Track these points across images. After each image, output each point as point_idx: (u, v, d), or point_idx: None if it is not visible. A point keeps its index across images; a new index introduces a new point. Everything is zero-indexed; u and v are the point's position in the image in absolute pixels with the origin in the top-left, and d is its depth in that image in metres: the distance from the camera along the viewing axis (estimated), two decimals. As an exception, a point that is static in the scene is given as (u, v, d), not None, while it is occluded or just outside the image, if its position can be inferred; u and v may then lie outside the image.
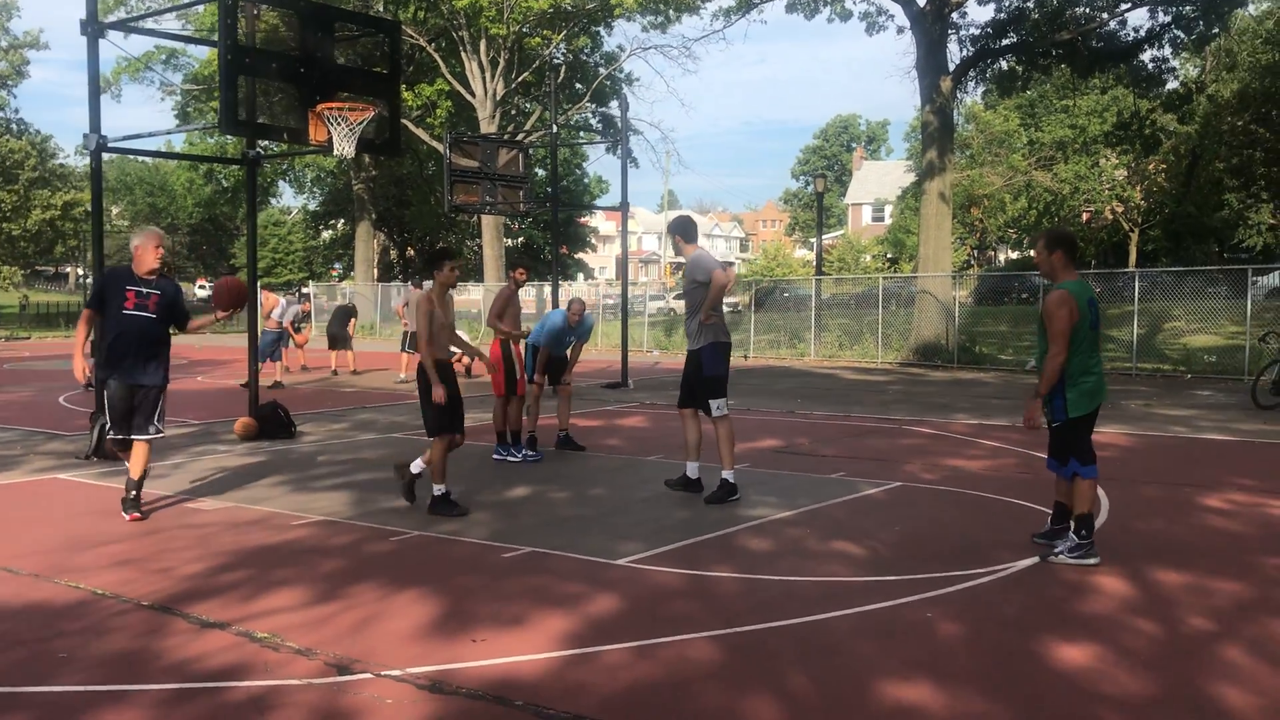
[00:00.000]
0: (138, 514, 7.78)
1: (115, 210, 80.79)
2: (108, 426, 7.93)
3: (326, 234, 68.17)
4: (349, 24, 12.68)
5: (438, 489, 7.99)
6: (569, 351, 11.30)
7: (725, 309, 42.54)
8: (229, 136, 17.51)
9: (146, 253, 7.85)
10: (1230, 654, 4.90)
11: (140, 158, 59.94)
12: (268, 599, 5.82)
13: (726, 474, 8.40)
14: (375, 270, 49.73)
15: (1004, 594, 5.88)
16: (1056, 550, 6.52)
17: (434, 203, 48.38)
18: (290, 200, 75.33)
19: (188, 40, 24.55)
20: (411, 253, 59.51)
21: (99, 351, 7.93)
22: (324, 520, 7.83)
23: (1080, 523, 6.51)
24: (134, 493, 7.83)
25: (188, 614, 5.54)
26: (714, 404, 8.51)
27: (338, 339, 22.29)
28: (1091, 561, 6.41)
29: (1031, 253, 49.70)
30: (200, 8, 28.53)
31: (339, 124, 10.30)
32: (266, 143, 13.11)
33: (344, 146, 10.33)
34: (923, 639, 5.13)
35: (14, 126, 50.26)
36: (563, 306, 11.56)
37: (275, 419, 12.34)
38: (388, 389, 19.13)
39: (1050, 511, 7.04)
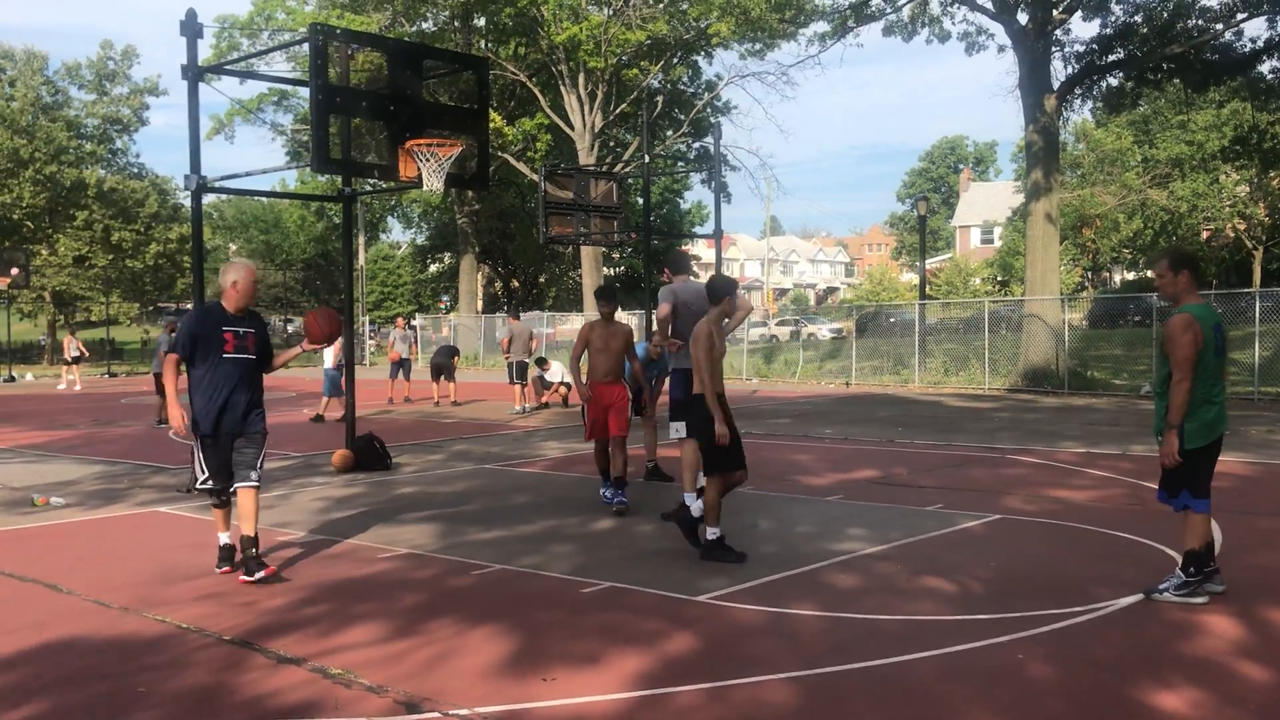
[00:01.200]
0: (270, 568, 7.07)
1: (233, 248, 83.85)
2: (201, 481, 7.22)
3: (434, 267, 69.57)
4: (439, 61, 12.91)
5: (712, 532, 7.37)
6: (653, 384, 11.18)
7: (828, 335, 41.90)
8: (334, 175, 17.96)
9: (245, 288, 7.13)
10: (1350, 704, 4.54)
11: (256, 197, 62.20)
12: (346, 634, 5.83)
13: (687, 496, 8.12)
14: (480, 302, 50.54)
15: (1101, 634, 5.57)
16: (1161, 587, 6.17)
17: (536, 235, 48.83)
18: (399, 235, 76.99)
19: (283, 81, 25.45)
20: (515, 284, 60.32)
21: (193, 400, 7.07)
22: (409, 553, 7.86)
23: (1189, 559, 6.15)
24: (254, 549, 7.04)
25: (266, 649, 5.57)
26: (674, 426, 9.04)
27: (441, 369, 22.59)
28: (1199, 600, 6.04)
29: (1148, 273, 48.08)
30: (304, 49, 29.43)
31: (428, 160, 10.43)
32: (372, 180, 13.36)
33: (433, 182, 10.45)
34: (1011, 682, 4.88)
35: (134, 169, 52.48)
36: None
37: (371, 451, 12.50)
38: (485, 419, 19.27)
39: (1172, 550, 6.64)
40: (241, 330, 7.11)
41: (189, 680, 5.13)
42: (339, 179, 12.90)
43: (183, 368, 7.19)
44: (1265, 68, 25.66)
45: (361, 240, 50.92)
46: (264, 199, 65.62)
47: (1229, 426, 6.46)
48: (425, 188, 10.65)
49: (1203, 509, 6.16)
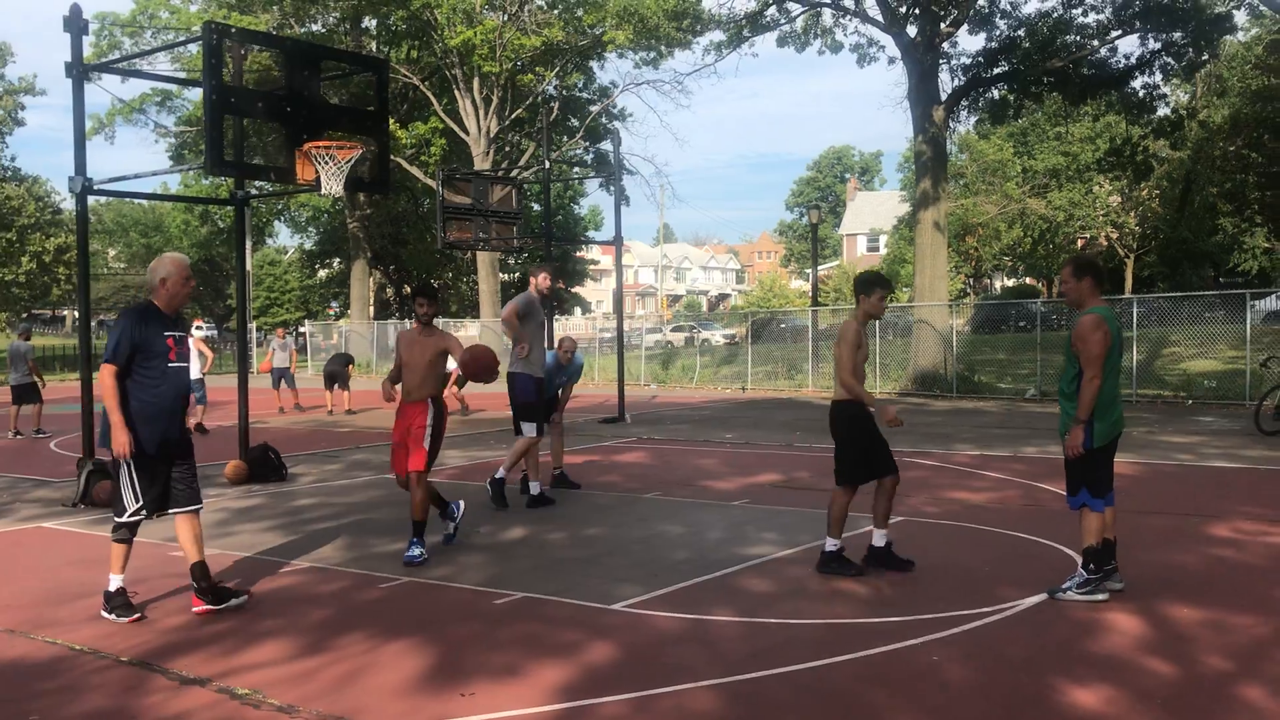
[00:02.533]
0: (237, 599, 6.46)
1: (112, 253, 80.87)
2: (132, 511, 6.28)
3: (323, 273, 68.17)
4: (337, 62, 12.63)
5: (832, 544, 7.02)
6: (560, 391, 11.11)
7: (723, 341, 42.35)
8: (223, 177, 17.38)
9: (180, 286, 6.37)
10: (1251, 695, 4.72)
11: (137, 200, 60.12)
12: (252, 652, 5.63)
13: (499, 473, 9.78)
14: (371, 308, 49.67)
15: (1012, 634, 5.70)
16: (1064, 586, 6.34)
17: (430, 240, 48.34)
18: (286, 239, 75.21)
19: (173, 81, 24.67)
20: (409, 290, 59.44)
21: (129, 417, 6.17)
22: (313, 567, 7.64)
23: (1088, 556, 6.32)
24: (206, 582, 6.39)
25: (168, 670, 5.34)
26: (525, 425, 9.72)
27: (335, 377, 22.06)
28: (1101, 598, 6.22)
29: (1028, 279, 49.62)
30: (192, 49, 28.59)
31: (327, 163, 10.19)
32: (260, 182, 12.98)
33: (332, 185, 10.21)
34: (929, 684, 4.95)
35: (9, 173, 50.27)
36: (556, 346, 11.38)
37: (265, 461, 12.15)
38: (383, 427, 18.89)
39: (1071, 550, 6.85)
40: (179, 334, 6.42)
41: (87, 705, 4.89)
42: (229, 181, 12.53)
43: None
44: (1138, 83, 26.74)
45: (249, 244, 49.62)
46: (145, 202, 63.44)
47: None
48: (324, 191, 10.40)
49: (1098, 507, 6.34)
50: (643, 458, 13.91)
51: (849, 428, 7.12)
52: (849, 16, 27.51)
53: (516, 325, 9.59)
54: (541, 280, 10.04)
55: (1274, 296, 34.67)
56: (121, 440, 6.09)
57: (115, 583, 6.36)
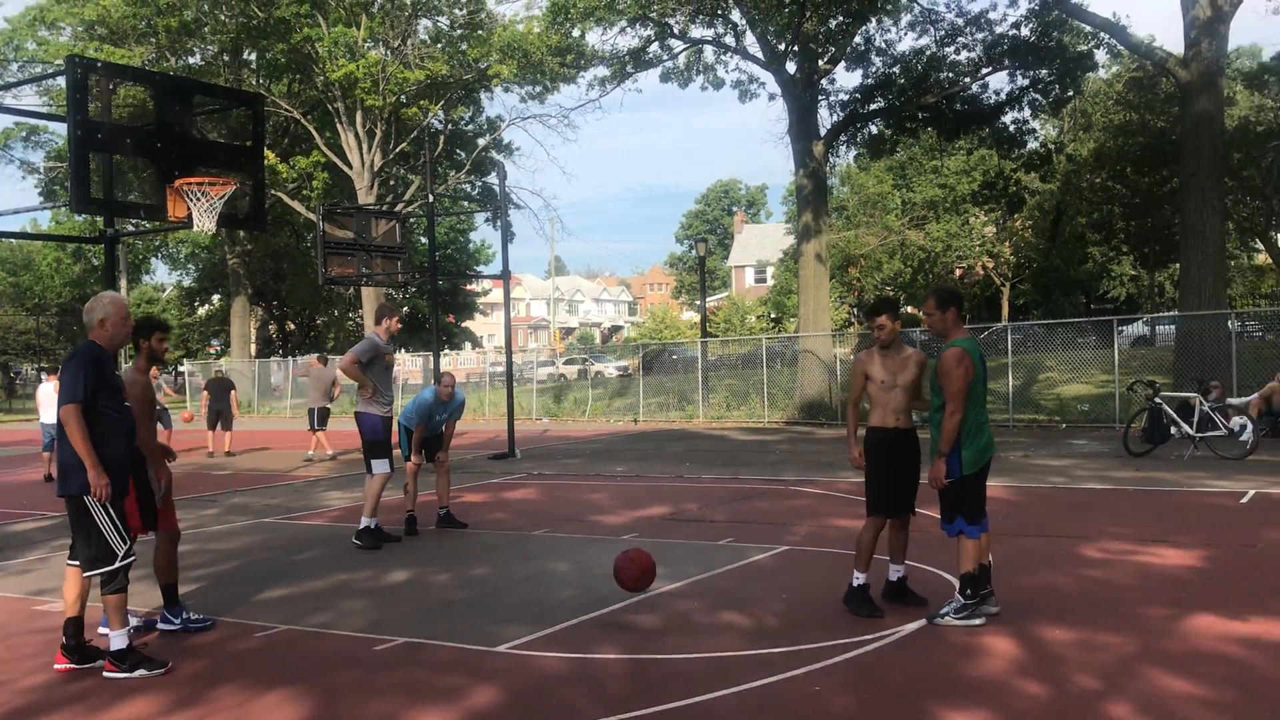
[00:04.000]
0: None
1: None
2: (124, 555, 5.95)
3: (202, 310, 66.36)
4: (210, 97, 12.35)
5: (858, 579, 6.81)
6: (444, 429, 10.99)
7: (615, 373, 42.54)
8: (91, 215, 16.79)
9: (120, 325, 6.15)
10: (1117, 712, 4.86)
11: (6, 239, 57.70)
12: (121, 708, 5.40)
13: (365, 522, 9.87)
14: (253, 346, 48.51)
15: (892, 660, 5.78)
16: (942, 612, 6.46)
17: (312, 275, 47.46)
18: (164, 276, 73.06)
19: (36, 116, 23.78)
20: (291, 326, 58.25)
21: (103, 458, 5.85)
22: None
23: (965, 582, 6.46)
24: (76, 640, 6.11)
25: (26, 733, 5.08)
26: (375, 463, 9.88)
27: (220, 415, 21.24)
28: (977, 622, 6.36)
29: (909, 308, 50.85)
30: (60, 81, 27.67)
31: (199, 199, 9.94)
32: (136, 220, 12.60)
33: (204, 222, 9.96)
34: (811, 714, 4.98)
35: None
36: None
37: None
38: (264, 469, 18.42)
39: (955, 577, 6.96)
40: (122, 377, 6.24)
41: (-66, 776, 4.61)
42: (100, 219, 12.12)
43: None
44: (1008, 119, 27.83)
45: (124, 282, 48.06)
46: (13, 240, 60.92)
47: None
48: (196, 228, 10.14)
49: (975, 534, 6.48)
50: (532, 494, 13.81)
51: (869, 457, 6.91)
52: (730, 54, 28.05)
53: (358, 373, 9.73)
54: (394, 324, 10.18)
55: (1140, 322, 36.17)
56: (101, 482, 5.81)
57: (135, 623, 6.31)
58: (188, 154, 10.32)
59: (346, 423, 10.61)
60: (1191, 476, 13.05)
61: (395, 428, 10.52)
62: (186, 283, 61.63)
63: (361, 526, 9.92)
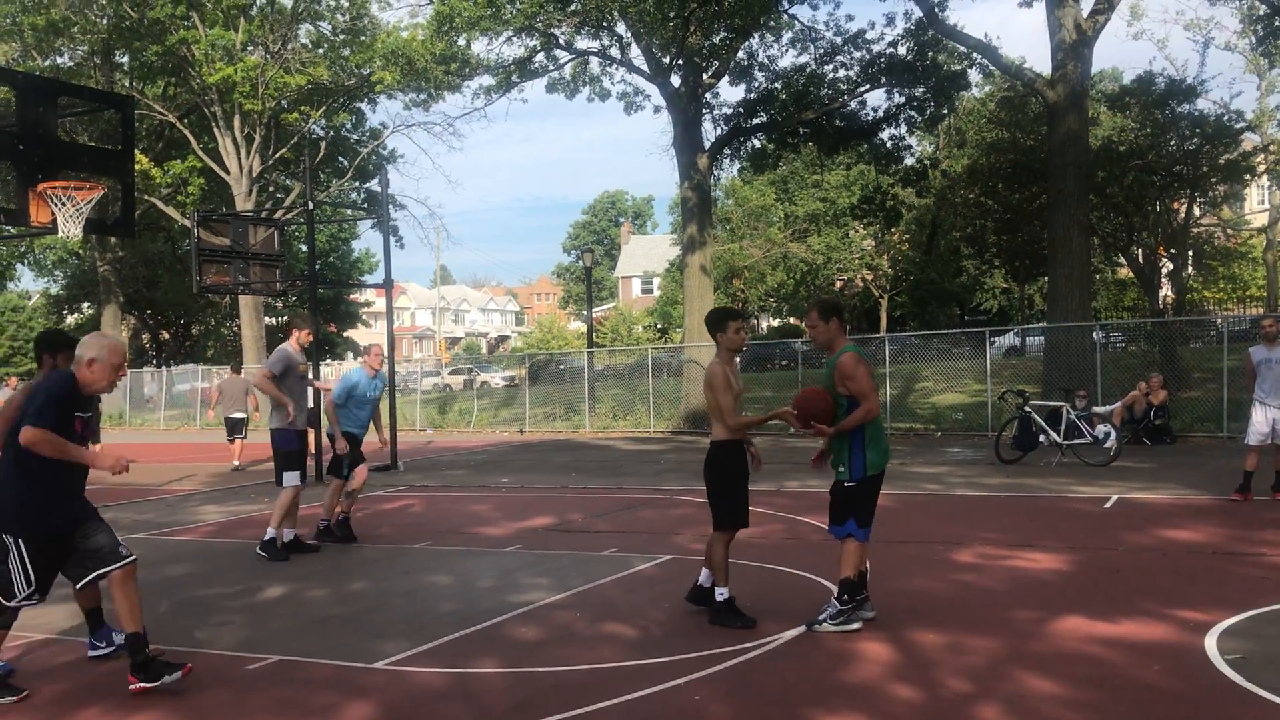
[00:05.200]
0: (187, 665, 5.79)
1: None
2: (23, 596, 5.62)
3: (71, 319, 63.81)
4: (76, 98, 11.90)
5: (722, 593, 6.81)
6: (371, 422, 10.86)
7: (502, 383, 42.17)
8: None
9: (106, 374, 5.78)
10: (986, 713, 5.00)
11: None
12: (-31, 739, 5.14)
13: (270, 533, 9.77)
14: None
15: (771, 668, 5.85)
16: (820, 618, 6.56)
17: (188, 283, 46.13)
18: (30, 284, 70.14)
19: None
20: (166, 336, 56.42)
21: (25, 489, 5.61)
22: (47, 638, 7.05)
23: (844, 587, 6.56)
24: (142, 655, 5.75)
25: None
26: (286, 475, 9.83)
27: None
28: (854, 627, 6.48)
29: (791, 320, 51.51)
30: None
31: (64, 204, 9.56)
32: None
33: (70, 228, 9.59)
34: (692, 724, 5.01)
35: None
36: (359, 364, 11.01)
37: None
38: (136, 484, 17.75)
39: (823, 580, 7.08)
40: (87, 416, 5.86)
41: None
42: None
43: None
44: (885, 135, 28.52)
45: (-17, 289, 45.94)
46: None
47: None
48: (61, 233, 9.76)
49: (863, 538, 6.61)
50: (414, 506, 13.61)
51: (726, 471, 6.99)
52: (615, 65, 28.21)
53: (272, 388, 9.65)
54: (305, 336, 10.10)
55: (1011, 333, 37.41)
56: (113, 460, 5.76)
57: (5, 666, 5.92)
58: (52, 157, 9.94)
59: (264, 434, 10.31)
60: (1059, 483, 13.53)
61: (312, 439, 10.40)
62: (54, 290, 59.20)
63: (267, 538, 9.73)
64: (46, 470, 5.59)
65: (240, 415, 19.51)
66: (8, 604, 5.67)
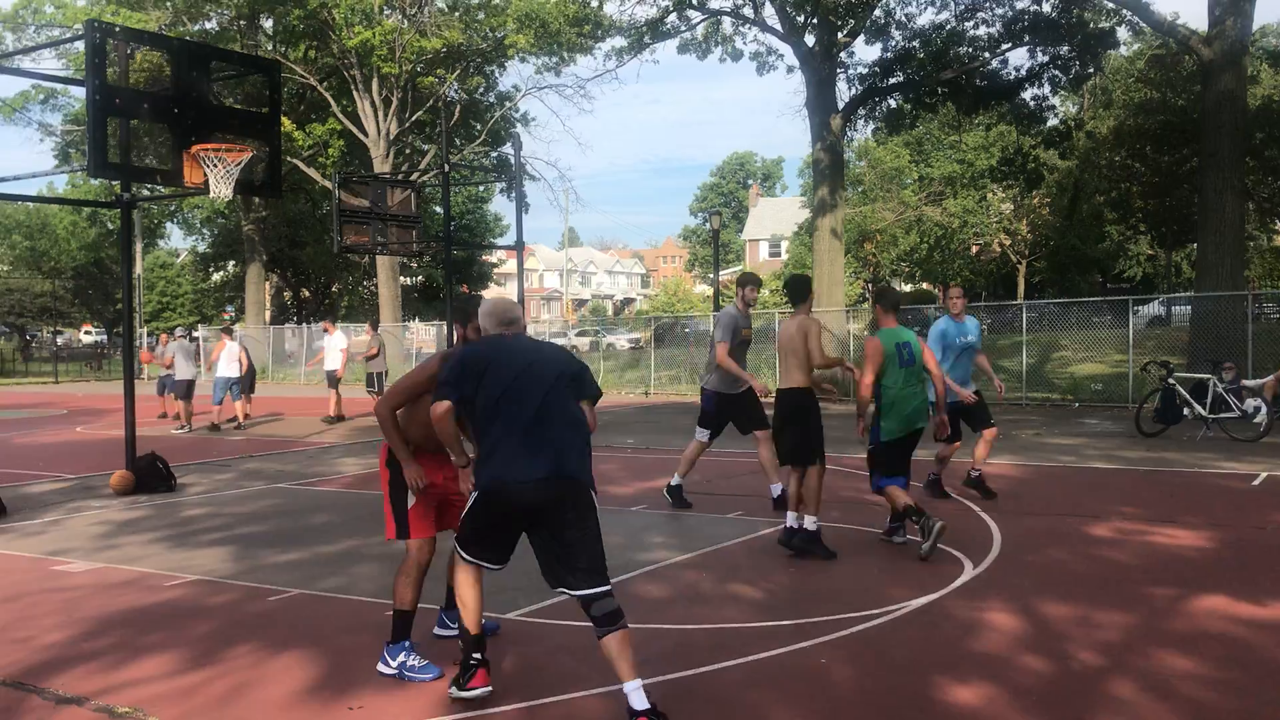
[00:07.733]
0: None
1: (-7, 254, 77.68)
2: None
3: (217, 276, 66.56)
4: (226, 63, 12.36)
5: (812, 523, 7.85)
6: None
7: (627, 345, 42.39)
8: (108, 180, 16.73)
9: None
10: (1120, 689, 4.89)
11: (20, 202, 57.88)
12: (134, 668, 5.48)
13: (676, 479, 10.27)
14: (268, 313, 48.64)
15: (898, 635, 5.83)
16: (924, 548, 7.42)
17: (328, 243, 47.47)
18: (179, 242, 73.23)
19: (55, 80, 23.75)
20: (306, 294, 58.37)
21: None
22: (200, 579, 7.46)
23: (907, 513, 7.66)
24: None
25: (44, 689, 5.17)
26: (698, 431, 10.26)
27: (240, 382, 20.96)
28: (938, 524, 7.39)
29: (924, 285, 50.57)
30: (78, 46, 27.68)
31: (216, 165, 9.97)
32: (151, 185, 12.62)
33: (221, 188, 10.00)
34: (816, 687, 5.03)
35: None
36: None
37: (154, 471, 11.83)
38: (278, 435, 18.52)
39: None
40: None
41: (-46, 729, 4.71)
42: (116, 183, 12.16)
43: None
44: (1028, 95, 27.62)
45: (139, 247, 48.24)
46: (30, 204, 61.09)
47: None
48: (212, 194, 10.18)
49: (889, 483, 7.84)
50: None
51: (797, 409, 8.11)
52: (748, 25, 27.88)
53: (734, 365, 9.66)
54: (749, 293, 9.85)
55: (1156, 302, 36.00)
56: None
57: None
58: (204, 120, 10.35)
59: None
60: (1203, 458, 13.03)
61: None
62: (201, 248, 61.76)
63: (674, 483, 10.24)
64: None
65: (385, 370, 20.51)
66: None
